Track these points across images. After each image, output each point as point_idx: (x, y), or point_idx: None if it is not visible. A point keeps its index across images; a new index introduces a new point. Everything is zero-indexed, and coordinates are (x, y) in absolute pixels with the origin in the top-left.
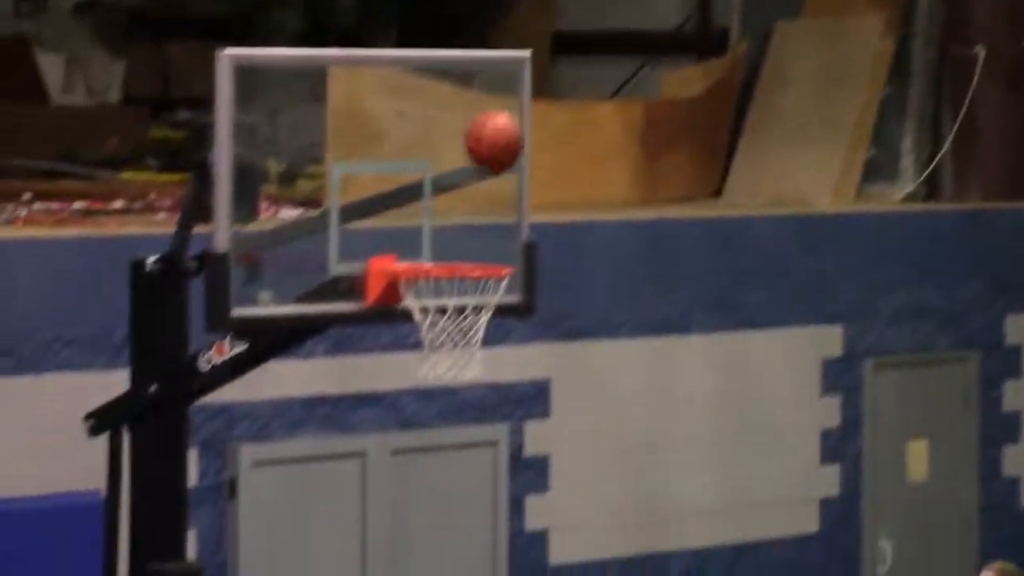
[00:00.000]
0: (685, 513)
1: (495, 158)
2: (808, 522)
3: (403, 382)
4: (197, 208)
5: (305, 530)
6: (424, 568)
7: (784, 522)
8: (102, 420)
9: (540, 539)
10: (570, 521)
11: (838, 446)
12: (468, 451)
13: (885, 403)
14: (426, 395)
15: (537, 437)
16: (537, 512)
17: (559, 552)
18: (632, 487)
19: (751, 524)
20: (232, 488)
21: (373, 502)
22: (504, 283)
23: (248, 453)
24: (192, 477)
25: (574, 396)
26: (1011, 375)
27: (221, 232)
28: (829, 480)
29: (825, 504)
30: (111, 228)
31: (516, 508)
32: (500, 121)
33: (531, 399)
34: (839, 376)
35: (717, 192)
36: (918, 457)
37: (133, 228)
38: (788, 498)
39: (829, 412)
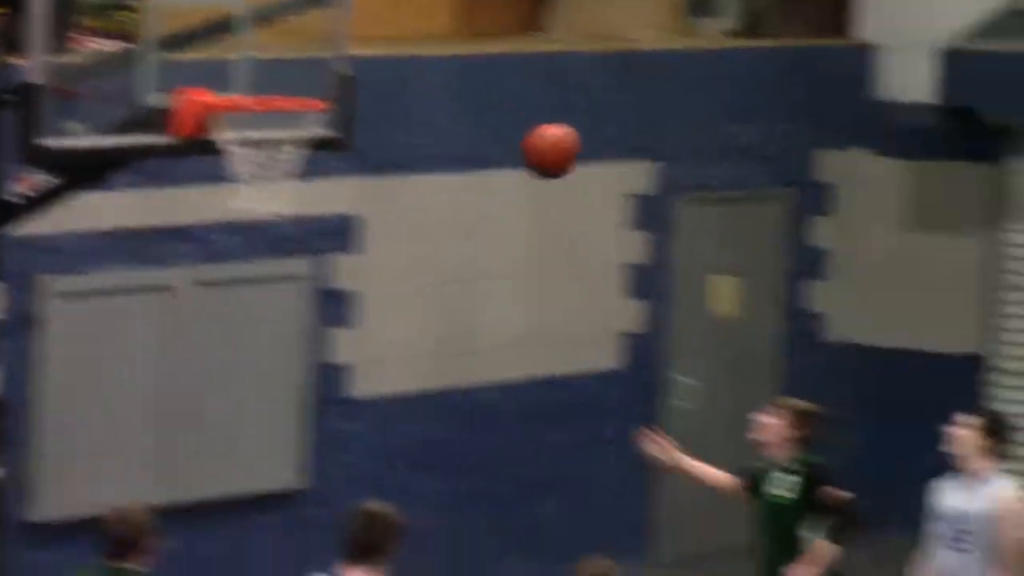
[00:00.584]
0: (492, 347)
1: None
2: (612, 357)
3: (211, 215)
4: (11, 40)
5: (111, 362)
6: (229, 399)
7: (592, 356)
8: None
9: (345, 372)
10: (377, 355)
11: (645, 281)
12: (274, 284)
13: (695, 239)
14: (234, 229)
15: (346, 271)
16: (343, 346)
17: (365, 385)
18: (440, 321)
19: (556, 358)
20: (37, 321)
21: (179, 335)
22: (318, 117)
23: (54, 285)
24: None
25: (385, 231)
26: (820, 211)
27: (36, 63)
28: (633, 315)
29: (629, 339)
30: None
31: (322, 341)
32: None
33: (341, 233)
34: (650, 212)
35: (539, 27)
36: (724, 293)
37: None
38: (595, 331)
39: (638, 248)
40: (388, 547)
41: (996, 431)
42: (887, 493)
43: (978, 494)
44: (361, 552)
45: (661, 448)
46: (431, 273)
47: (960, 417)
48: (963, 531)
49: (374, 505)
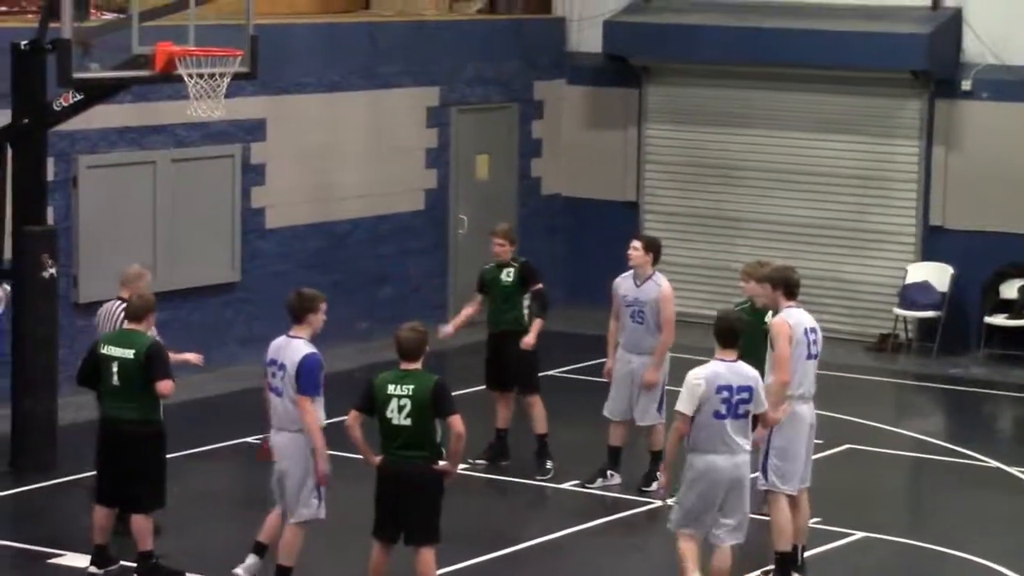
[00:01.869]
0: (347, 196)
1: None
2: (419, 203)
3: (178, 118)
4: (51, 10)
5: (119, 210)
6: (193, 230)
7: (406, 202)
8: None
9: (260, 213)
10: (278, 202)
11: (436, 158)
12: (218, 160)
13: (463, 133)
14: (192, 127)
15: (258, 152)
16: (258, 197)
17: (272, 221)
18: (314, 182)
19: (388, 203)
20: (75, 182)
21: (161, 192)
22: (238, 60)
23: (84, 161)
24: (50, 175)
25: (279, 128)
26: (536, 117)
27: (66, 26)
28: (430, 178)
29: (428, 192)
30: None
31: (246, 195)
32: None
33: (254, 129)
34: (437, 117)
35: (368, 6)
36: (482, 165)
37: (11, 23)
38: (408, 187)
39: (431, 138)
40: (313, 311)
41: (653, 249)
42: (584, 285)
43: (645, 287)
44: (298, 317)
45: (447, 332)
46: (308, 152)
47: (634, 241)
48: (639, 311)
49: (303, 289)
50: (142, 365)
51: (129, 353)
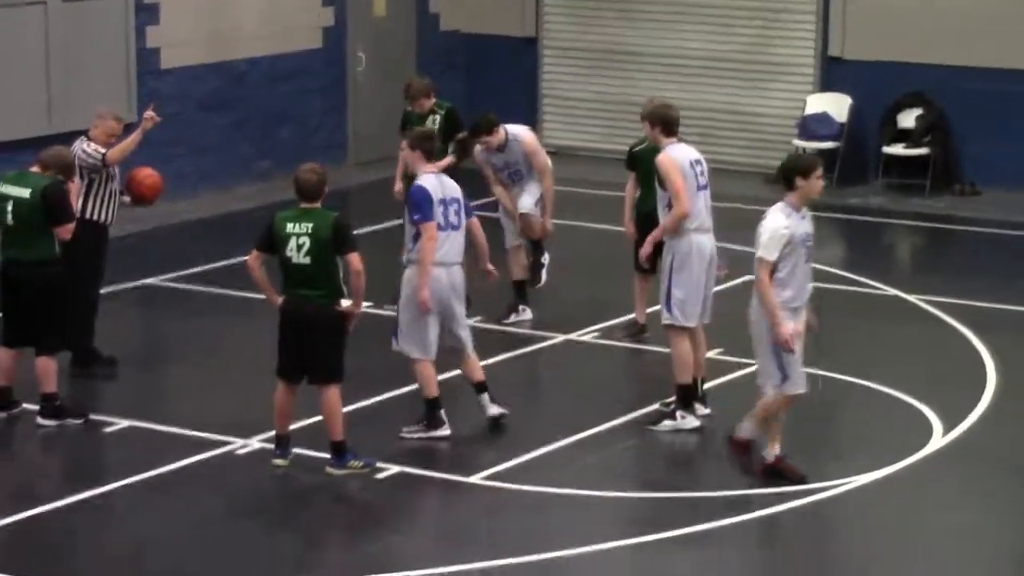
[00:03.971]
0: (243, 36)
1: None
2: (316, 40)
3: None
4: None
5: (12, 52)
6: (87, 72)
7: (304, 40)
8: None
9: (155, 53)
10: (172, 42)
11: None
12: (110, 0)
13: None
14: None
15: None
16: (153, 37)
17: (167, 61)
18: (210, 20)
19: (286, 40)
20: None
21: (53, 35)
22: None
23: None
24: None
25: None
26: None
27: None
28: (327, 15)
29: (326, 30)
30: None
31: (140, 35)
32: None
33: None
34: None
35: None
36: (379, 2)
37: None
38: (305, 25)
39: None
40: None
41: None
42: None
43: (509, 148)
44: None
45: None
46: None
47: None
48: (515, 171)
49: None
50: (39, 205)
51: (25, 192)
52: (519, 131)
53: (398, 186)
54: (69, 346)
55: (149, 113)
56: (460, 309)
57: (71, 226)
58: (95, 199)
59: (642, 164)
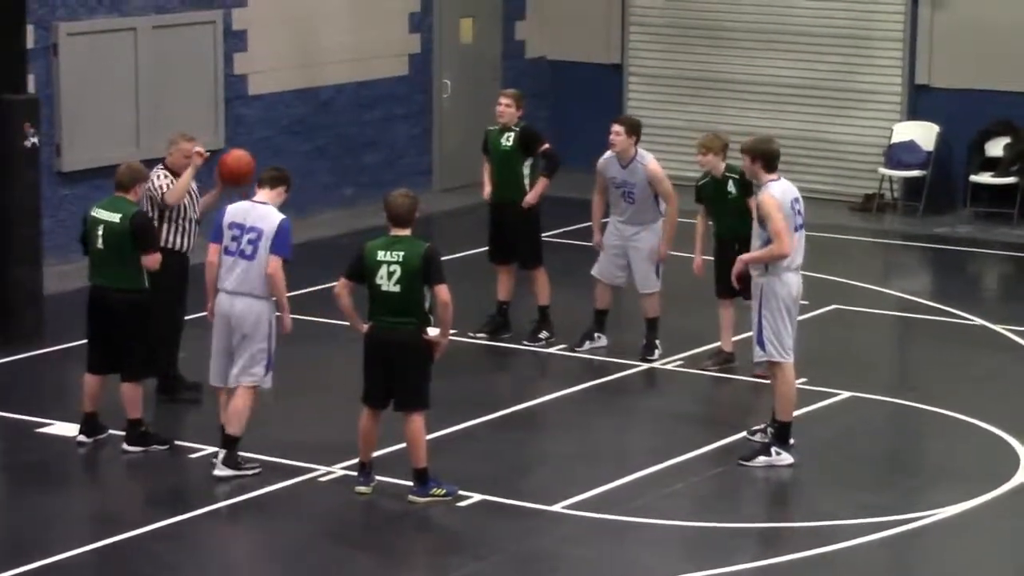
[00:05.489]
0: (330, 61)
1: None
2: (403, 68)
3: None
4: None
5: (101, 78)
6: (175, 98)
7: (390, 67)
8: None
9: (242, 79)
10: (260, 68)
11: (420, 21)
12: (199, 27)
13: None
14: None
15: (239, 18)
16: (240, 63)
17: (255, 87)
18: (297, 47)
19: (371, 68)
20: (55, 49)
21: (142, 61)
22: None
23: (64, 28)
24: (30, 42)
25: None
26: None
27: None
28: (414, 42)
29: (412, 57)
30: None
31: (228, 61)
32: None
33: None
34: None
35: None
36: (466, 28)
37: None
38: (391, 52)
39: (414, 2)
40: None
41: (636, 131)
42: (569, 149)
43: (631, 168)
44: (273, 184)
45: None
46: (290, 17)
47: (615, 125)
48: (628, 192)
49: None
50: (128, 231)
51: (115, 217)
52: (646, 156)
53: (486, 190)
54: (154, 372)
55: (198, 149)
56: (244, 344)
57: (157, 255)
58: (172, 226)
59: (708, 196)
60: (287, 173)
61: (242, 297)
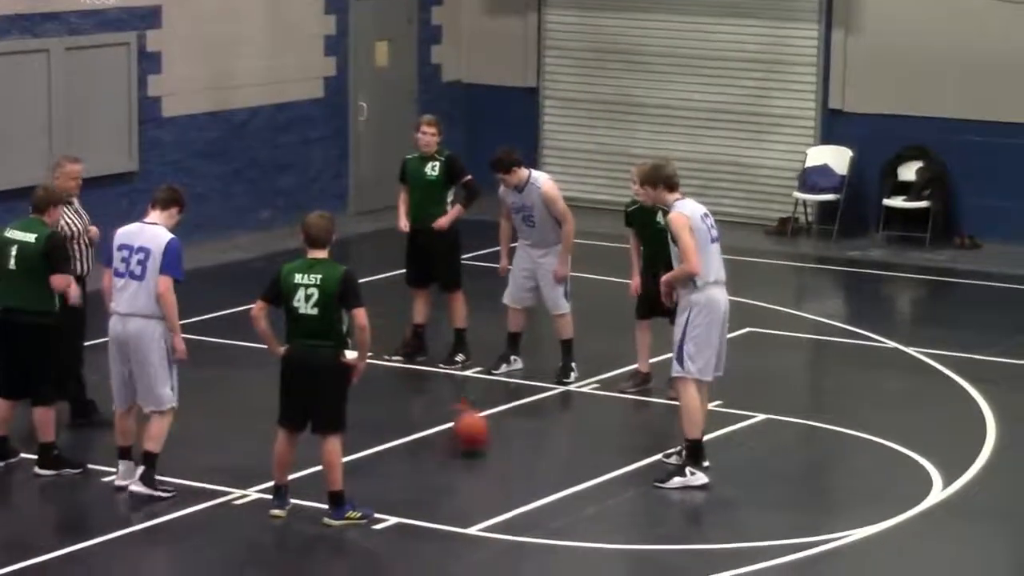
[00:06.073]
0: (245, 84)
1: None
2: (318, 90)
3: (72, 5)
4: None
5: (13, 100)
6: (89, 120)
7: (306, 90)
8: None
9: (157, 101)
10: (174, 90)
11: (335, 44)
12: (112, 48)
13: (362, 19)
14: (86, 14)
15: (153, 40)
16: (155, 85)
17: (169, 110)
18: (211, 70)
19: (286, 90)
20: None
21: (55, 83)
22: None
23: None
24: None
25: (176, 14)
26: (435, 3)
27: None
28: (329, 65)
29: (328, 80)
30: None
31: (142, 84)
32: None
33: (151, 16)
34: (335, 3)
35: None
36: (381, 52)
37: None
38: (307, 75)
39: (329, 25)
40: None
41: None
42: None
43: (527, 191)
44: (165, 206)
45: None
46: (205, 40)
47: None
48: (528, 216)
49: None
50: (41, 252)
51: (30, 238)
52: (540, 177)
53: (403, 222)
54: (64, 396)
55: (93, 229)
56: (142, 368)
57: (68, 278)
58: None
59: (637, 222)
60: (180, 193)
61: (133, 318)
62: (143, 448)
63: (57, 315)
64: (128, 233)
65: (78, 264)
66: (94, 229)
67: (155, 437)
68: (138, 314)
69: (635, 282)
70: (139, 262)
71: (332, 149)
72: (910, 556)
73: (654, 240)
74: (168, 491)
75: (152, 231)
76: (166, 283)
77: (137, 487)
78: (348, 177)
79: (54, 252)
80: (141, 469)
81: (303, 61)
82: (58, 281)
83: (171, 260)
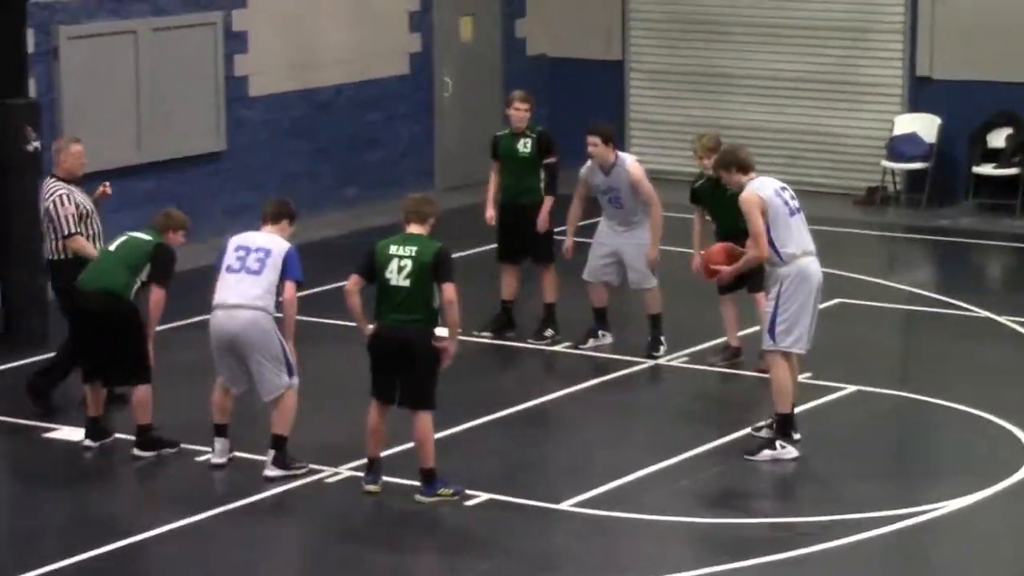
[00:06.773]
0: (330, 62)
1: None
2: (403, 67)
3: None
4: None
5: (102, 82)
6: (177, 100)
7: (391, 66)
8: None
9: (243, 80)
10: (260, 69)
11: (420, 20)
12: (199, 28)
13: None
14: None
15: (239, 20)
16: (241, 65)
17: (255, 89)
18: (296, 48)
19: (372, 67)
20: (56, 53)
21: (143, 64)
22: None
23: (65, 31)
24: (30, 47)
25: None
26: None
27: None
28: (414, 41)
29: (413, 56)
30: None
31: (229, 63)
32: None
33: None
34: None
35: None
36: (466, 26)
37: None
38: (391, 51)
39: (413, 0)
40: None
41: (611, 139)
42: (570, 146)
43: (614, 173)
44: (276, 219)
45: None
46: (290, 18)
47: (590, 137)
48: (615, 197)
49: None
50: (147, 256)
51: (145, 237)
52: (627, 159)
53: (490, 212)
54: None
55: (105, 185)
56: (252, 359)
57: (163, 292)
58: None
59: (706, 195)
60: (288, 205)
61: (243, 310)
62: (272, 432)
63: (131, 300)
64: (246, 236)
65: (92, 241)
66: (105, 187)
67: (281, 421)
68: (249, 306)
69: (696, 260)
70: (258, 259)
71: (417, 125)
72: (1005, 527)
73: (726, 212)
74: (301, 466)
75: (272, 236)
76: (292, 290)
77: (271, 471)
78: (434, 153)
79: (160, 263)
80: (272, 454)
81: (388, 38)
82: (155, 292)
83: (293, 266)
